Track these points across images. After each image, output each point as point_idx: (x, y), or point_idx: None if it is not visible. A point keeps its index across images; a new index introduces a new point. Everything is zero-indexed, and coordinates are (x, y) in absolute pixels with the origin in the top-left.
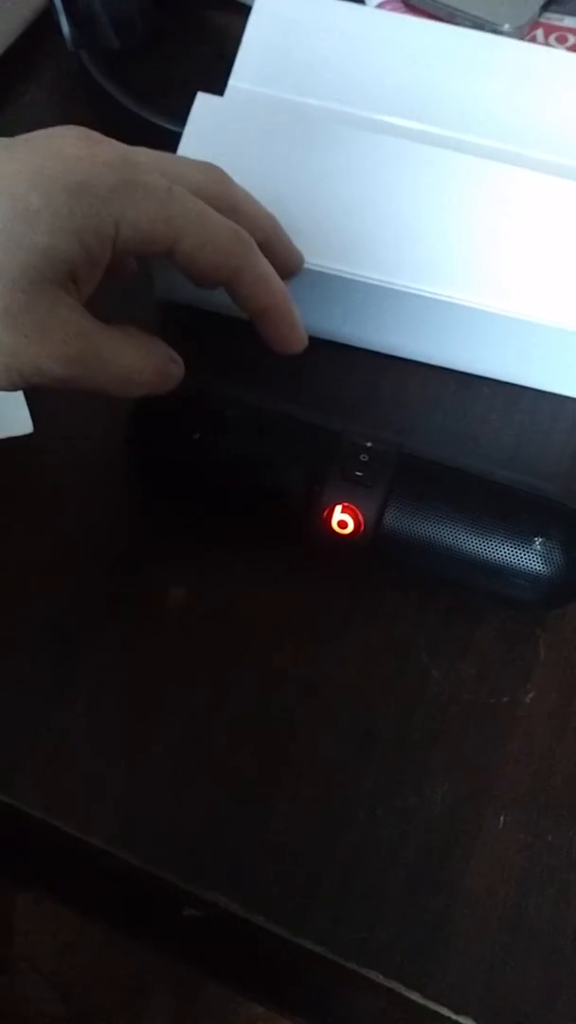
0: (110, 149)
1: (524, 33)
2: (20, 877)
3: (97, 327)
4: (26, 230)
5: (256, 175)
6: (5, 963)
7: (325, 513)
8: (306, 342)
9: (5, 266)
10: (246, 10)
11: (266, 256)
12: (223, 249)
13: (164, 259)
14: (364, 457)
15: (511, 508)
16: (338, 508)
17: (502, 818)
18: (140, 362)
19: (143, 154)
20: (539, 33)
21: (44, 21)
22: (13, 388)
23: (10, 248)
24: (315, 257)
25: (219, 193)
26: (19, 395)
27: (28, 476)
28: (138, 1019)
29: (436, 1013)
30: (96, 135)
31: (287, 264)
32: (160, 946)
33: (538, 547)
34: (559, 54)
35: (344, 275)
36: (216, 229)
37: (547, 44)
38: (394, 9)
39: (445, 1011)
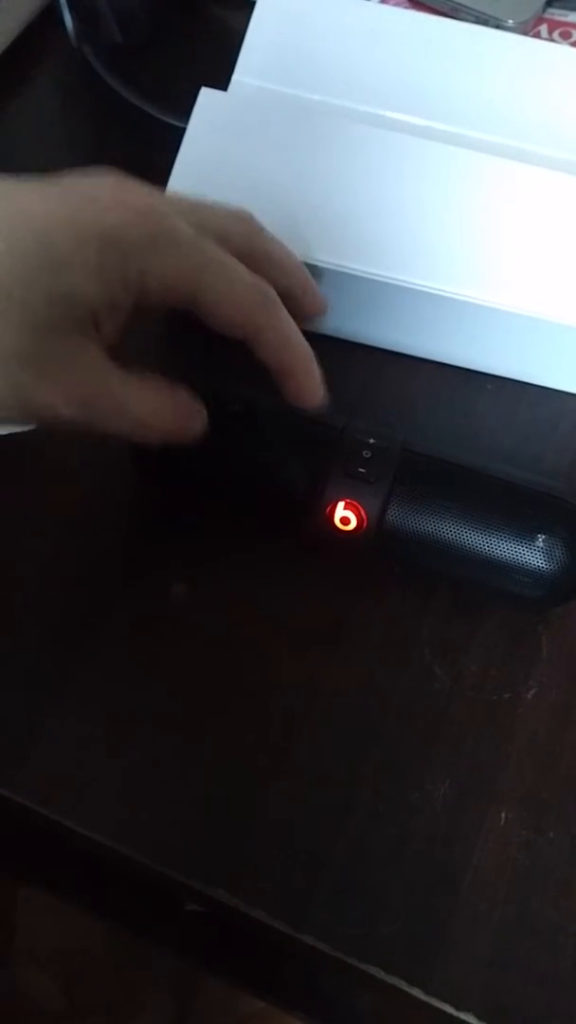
0: (141, 196)
1: (528, 29)
2: (22, 872)
3: (116, 372)
4: (52, 273)
5: (259, 170)
6: (6, 957)
7: (328, 510)
8: (324, 399)
9: (28, 307)
10: (250, 5)
11: (289, 302)
12: (246, 306)
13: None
14: (367, 454)
15: (514, 505)
16: (341, 505)
17: (504, 814)
18: (159, 409)
19: (174, 203)
20: (543, 29)
21: (48, 16)
22: (28, 427)
23: (34, 289)
24: (318, 253)
25: (249, 242)
26: None
27: (29, 472)
28: (139, 1013)
29: (437, 1009)
30: (129, 181)
31: (310, 310)
32: (161, 941)
33: (541, 544)
34: (563, 50)
35: (347, 271)
36: (241, 285)
37: (551, 40)
38: (398, 4)
39: (446, 1007)
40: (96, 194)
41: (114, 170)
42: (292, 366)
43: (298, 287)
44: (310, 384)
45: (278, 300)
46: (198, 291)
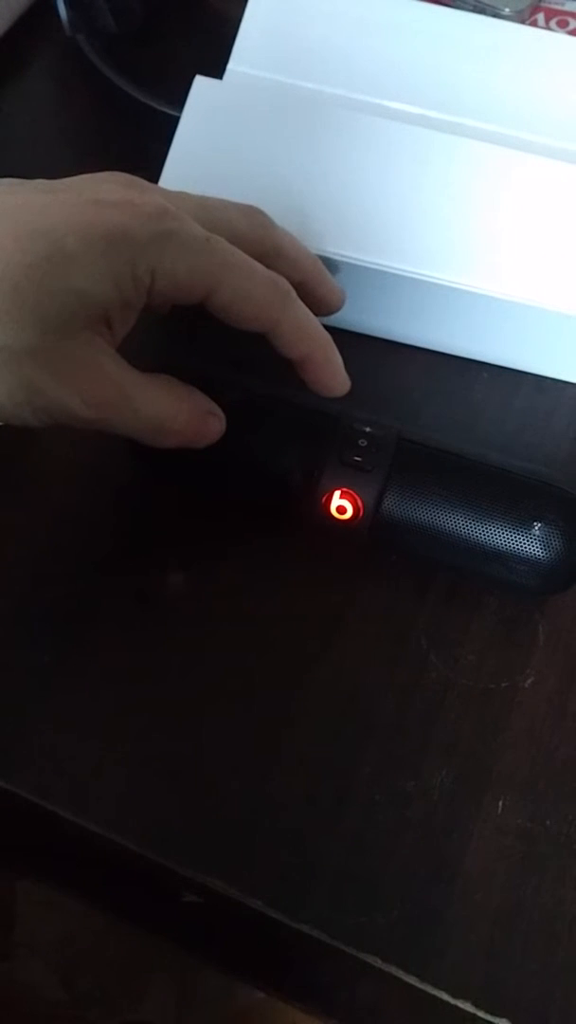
0: (151, 197)
1: (525, 17)
2: (20, 864)
3: (129, 373)
4: (62, 273)
5: (253, 159)
6: (6, 949)
7: (324, 498)
8: (348, 386)
9: (39, 307)
10: None
11: (306, 296)
12: (260, 302)
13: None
14: (363, 442)
15: (510, 493)
16: (337, 494)
17: (501, 803)
18: (173, 412)
19: (183, 200)
20: (540, 17)
21: (42, 5)
22: (40, 426)
23: (44, 289)
24: (313, 241)
25: (260, 238)
26: None
27: (25, 461)
28: (138, 1004)
29: (435, 998)
30: (139, 182)
31: (327, 303)
32: (160, 931)
33: (537, 532)
34: (560, 38)
35: (343, 259)
36: (253, 281)
37: (548, 28)
38: None
39: (444, 995)
40: (105, 195)
41: (124, 174)
42: (313, 356)
43: (313, 280)
44: (332, 373)
45: (292, 292)
46: (211, 289)
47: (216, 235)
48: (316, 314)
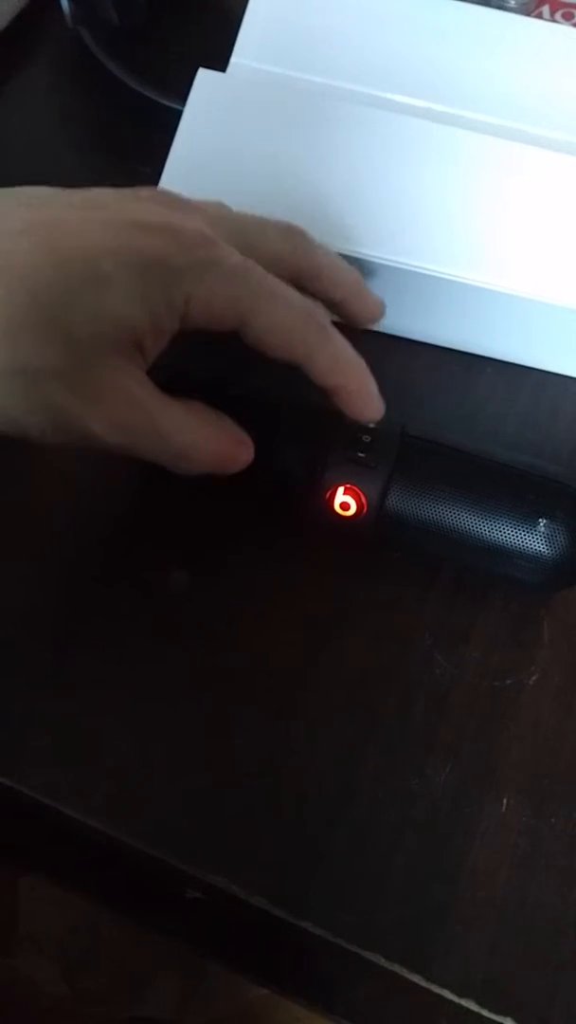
0: (191, 221)
1: (530, 9)
2: (23, 860)
3: (158, 399)
4: (96, 296)
5: (257, 152)
6: (9, 945)
7: (327, 495)
8: (383, 411)
9: (70, 328)
10: None
11: (346, 310)
12: (294, 333)
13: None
14: (366, 438)
15: (515, 489)
16: (340, 490)
17: (505, 801)
18: (200, 440)
19: (222, 222)
20: (545, 10)
21: None
22: (64, 447)
23: (77, 310)
24: (316, 236)
25: (297, 260)
26: None
27: (26, 457)
28: (141, 1000)
29: (439, 996)
30: (179, 201)
31: (368, 317)
32: (163, 928)
33: (542, 528)
34: (566, 30)
35: (348, 253)
36: (288, 314)
37: (553, 20)
38: None
39: (447, 994)
40: (145, 216)
41: (161, 191)
42: (347, 386)
43: (352, 296)
44: (367, 401)
45: (328, 323)
46: (246, 319)
47: (254, 261)
48: (357, 327)
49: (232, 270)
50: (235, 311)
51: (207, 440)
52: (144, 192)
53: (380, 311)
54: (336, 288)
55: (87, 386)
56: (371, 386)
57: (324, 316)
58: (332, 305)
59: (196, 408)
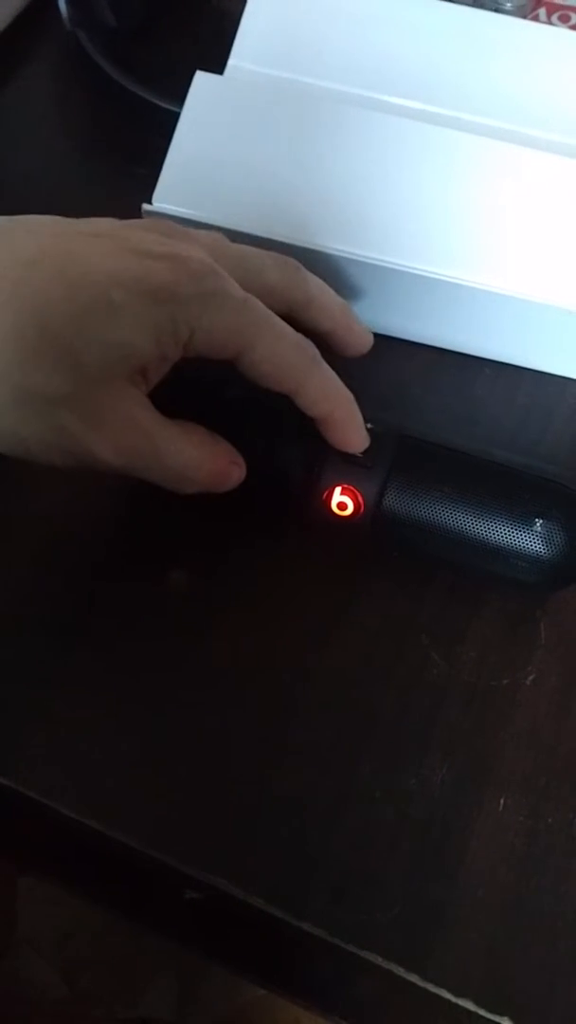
0: (195, 251)
1: (527, 12)
2: (22, 861)
3: (159, 423)
4: (106, 324)
5: (254, 155)
6: (8, 947)
7: (324, 495)
8: (367, 443)
9: (79, 355)
10: None
11: (335, 340)
12: (287, 364)
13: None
14: None
15: (512, 489)
16: (337, 490)
17: (502, 800)
18: (197, 461)
19: (223, 253)
20: (542, 12)
21: (42, 0)
22: (67, 470)
23: (86, 338)
24: (314, 237)
25: (292, 289)
26: None
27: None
28: (140, 1001)
29: (436, 995)
30: (179, 231)
31: (356, 346)
32: (161, 929)
33: (539, 528)
34: (562, 33)
35: (344, 255)
36: (283, 345)
37: (550, 23)
38: None
39: (445, 993)
40: (150, 247)
41: (166, 222)
42: (333, 416)
43: (342, 328)
44: (352, 431)
45: (319, 356)
46: (243, 350)
47: (252, 294)
48: (345, 355)
49: (235, 301)
50: (236, 342)
51: (203, 463)
52: (144, 222)
53: (368, 342)
54: (327, 318)
55: (94, 412)
56: (357, 417)
57: (315, 350)
58: (321, 335)
59: (192, 429)
